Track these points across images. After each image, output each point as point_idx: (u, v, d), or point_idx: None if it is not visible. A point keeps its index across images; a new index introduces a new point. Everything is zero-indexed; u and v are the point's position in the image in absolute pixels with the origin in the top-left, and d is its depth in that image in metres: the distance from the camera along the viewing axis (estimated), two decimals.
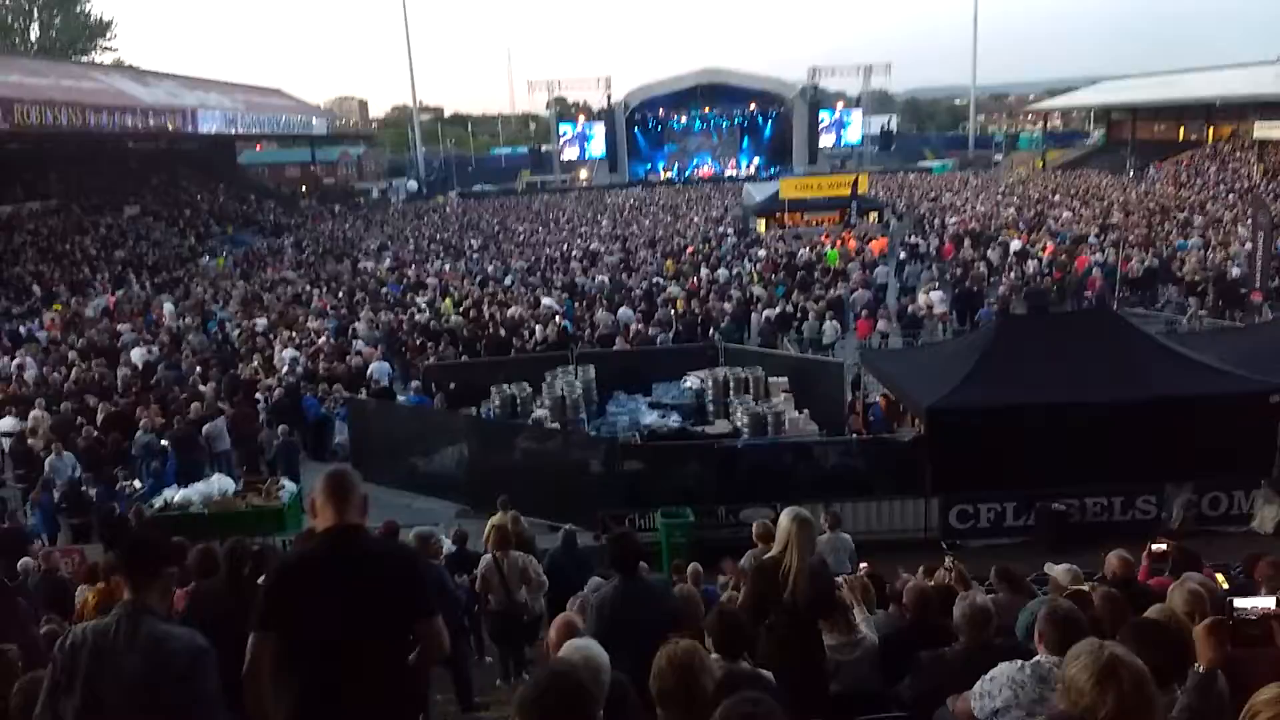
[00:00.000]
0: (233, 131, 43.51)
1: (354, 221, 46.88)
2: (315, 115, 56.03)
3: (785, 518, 3.83)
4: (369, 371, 15.78)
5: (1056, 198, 37.95)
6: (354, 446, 13.34)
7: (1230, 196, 34.47)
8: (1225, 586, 4.14)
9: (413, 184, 64.28)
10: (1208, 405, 9.95)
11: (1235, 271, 20.26)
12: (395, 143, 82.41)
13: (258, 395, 14.81)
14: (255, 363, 16.89)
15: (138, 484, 11.82)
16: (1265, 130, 40.89)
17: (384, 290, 24.94)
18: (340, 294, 24.60)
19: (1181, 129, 51.33)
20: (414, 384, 14.68)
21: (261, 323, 20.59)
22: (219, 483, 11.20)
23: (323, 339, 18.45)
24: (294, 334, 19.00)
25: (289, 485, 11.39)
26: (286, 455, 12.50)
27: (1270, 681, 1.84)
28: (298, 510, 11.05)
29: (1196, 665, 2.53)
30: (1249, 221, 22.68)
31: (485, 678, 7.29)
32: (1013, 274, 21.70)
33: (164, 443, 12.48)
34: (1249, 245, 20.76)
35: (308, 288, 26.02)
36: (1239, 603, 2.60)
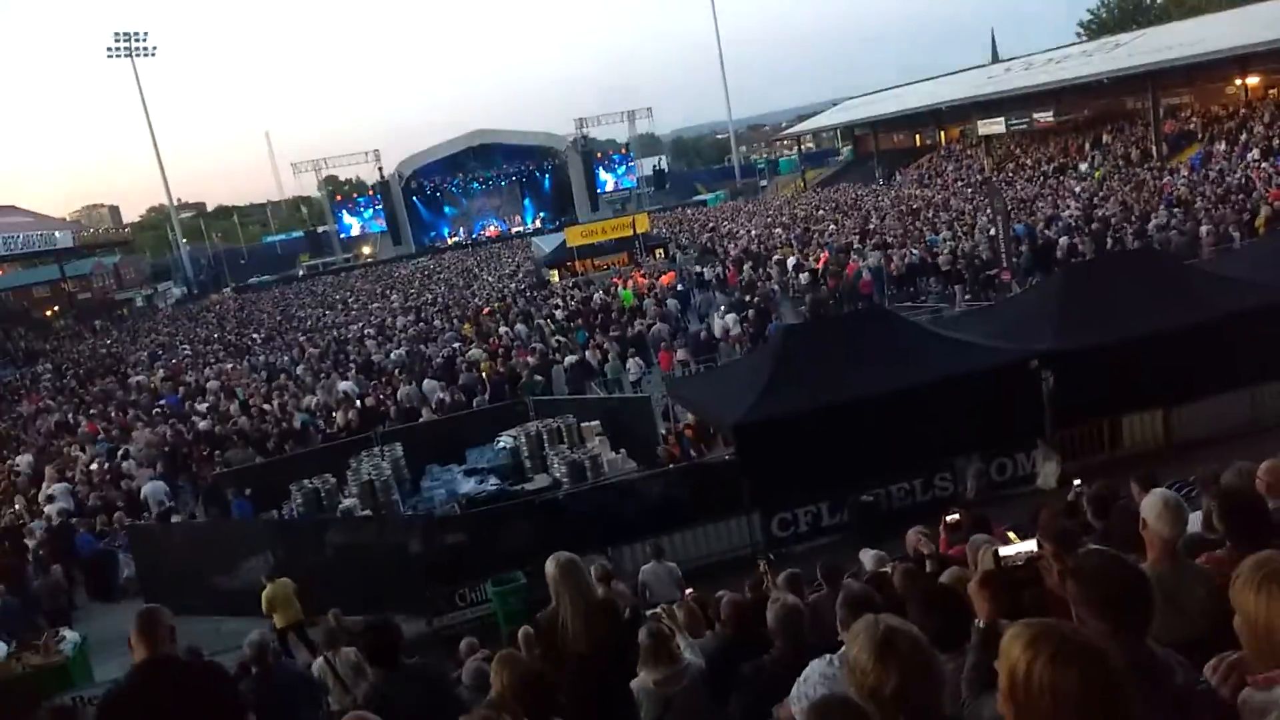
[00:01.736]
0: None
1: (119, 334, 43.30)
2: (58, 229, 51.64)
3: (549, 565, 3.69)
4: (142, 494, 14.43)
5: (821, 213, 40.56)
6: (143, 576, 12.10)
7: (968, 190, 38.12)
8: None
9: (180, 287, 60.31)
10: (979, 379, 10.77)
11: (984, 255, 22.28)
12: (155, 245, 77.20)
13: (25, 541, 13.22)
14: (17, 506, 15.12)
15: None
16: (987, 127, 45.67)
17: (161, 403, 23.03)
18: (112, 414, 22.50)
19: (918, 136, 56.53)
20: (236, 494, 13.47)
21: (23, 460, 18.49)
22: None
23: (94, 465, 16.77)
24: (60, 468, 17.15)
25: (69, 635, 10.14)
26: (53, 600, 11.18)
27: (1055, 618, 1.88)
28: (84, 661, 9.87)
29: (977, 620, 2.60)
30: (987, 209, 25.06)
31: None
32: (791, 288, 22.92)
33: None
34: (991, 230, 22.92)
35: (72, 415, 23.66)
36: (1004, 551, 2.72)
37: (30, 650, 10.09)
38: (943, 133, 53.78)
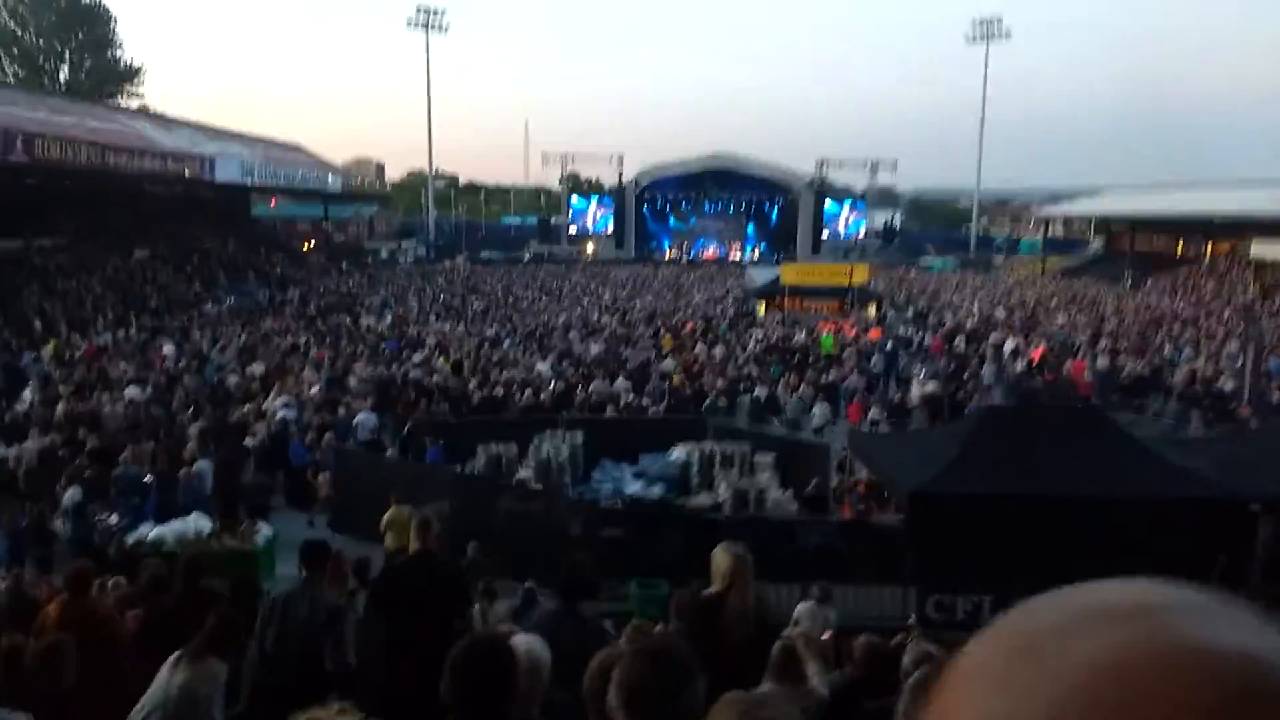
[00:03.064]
0: (248, 182, 44.24)
1: (360, 279, 47.40)
2: (331, 173, 57.12)
3: (722, 552, 3.81)
4: (355, 421, 15.80)
5: (1054, 303, 38.43)
6: (337, 495, 13.29)
7: (1225, 312, 34.95)
8: None
9: (421, 248, 65.17)
10: (1187, 510, 9.96)
11: (1229, 385, 20.42)
12: (408, 205, 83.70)
13: (246, 440, 14.83)
14: (246, 408, 16.95)
15: (114, 519, 11.74)
16: (1261, 249, 41.68)
17: (382, 346, 25.11)
18: (341, 346, 24.76)
19: (1180, 243, 52.31)
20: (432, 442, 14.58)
21: (258, 369, 20.69)
22: (195, 522, 11.13)
23: (315, 389, 18.52)
24: (288, 383, 19.08)
25: (264, 529, 11.32)
26: (258, 496, 12.49)
27: None
28: (271, 556, 10.97)
29: None
30: (1240, 336, 22.95)
31: None
32: (1005, 374, 21.87)
33: (147, 479, 12.46)
34: (1240, 361, 20.99)
35: (306, 340, 26.21)
36: None
37: (230, 534, 11.37)
38: (1210, 245, 49.51)
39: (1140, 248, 54.71)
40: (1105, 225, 61.94)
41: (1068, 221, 71.51)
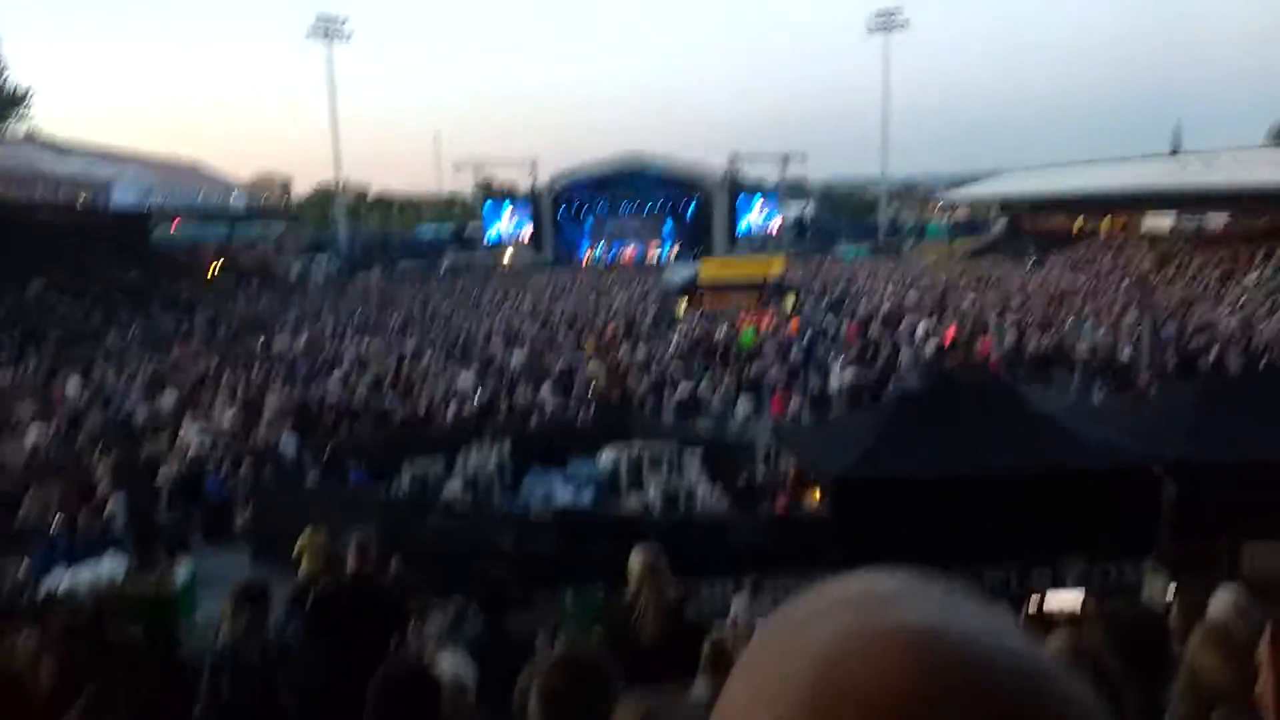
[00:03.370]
0: (147, 206, 42.70)
1: (270, 299, 46.16)
2: (235, 192, 55.52)
3: (634, 555, 3.83)
4: (277, 445, 15.40)
5: (963, 284, 39.63)
6: (256, 526, 12.93)
7: (1123, 284, 36.52)
8: None
9: (333, 263, 63.79)
10: (1097, 478, 10.38)
11: (1126, 353, 21.36)
12: (318, 220, 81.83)
13: (158, 475, 14.32)
14: (160, 442, 16.37)
15: (21, 568, 11.19)
16: (1154, 221, 43.67)
17: (298, 367, 24.50)
18: (253, 371, 24.07)
19: (1078, 220, 54.50)
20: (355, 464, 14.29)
21: (168, 401, 19.98)
22: (109, 565, 10.70)
23: (228, 417, 17.98)
24: (199, 413, 18.48)
25: (182, 568, 10.95)
26: (175, 534, 12.08)
27: None
28: (191, 595, 10.62)
29: None
30: (1137, 307, 24.02)
31: None
32: (918, 355, 22.48)
33: (54, 522, 11.91)
34: (1137, 331, 21.96)
35: (217, 366, 25.41)
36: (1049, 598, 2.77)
37: (146, 576, 10.95)
38: (1105, 220, 51.71)
39: (1041, 226, 56.85)
40: (1008, 206, 64.13)
41: (972, 205, 73.89)
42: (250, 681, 5.08)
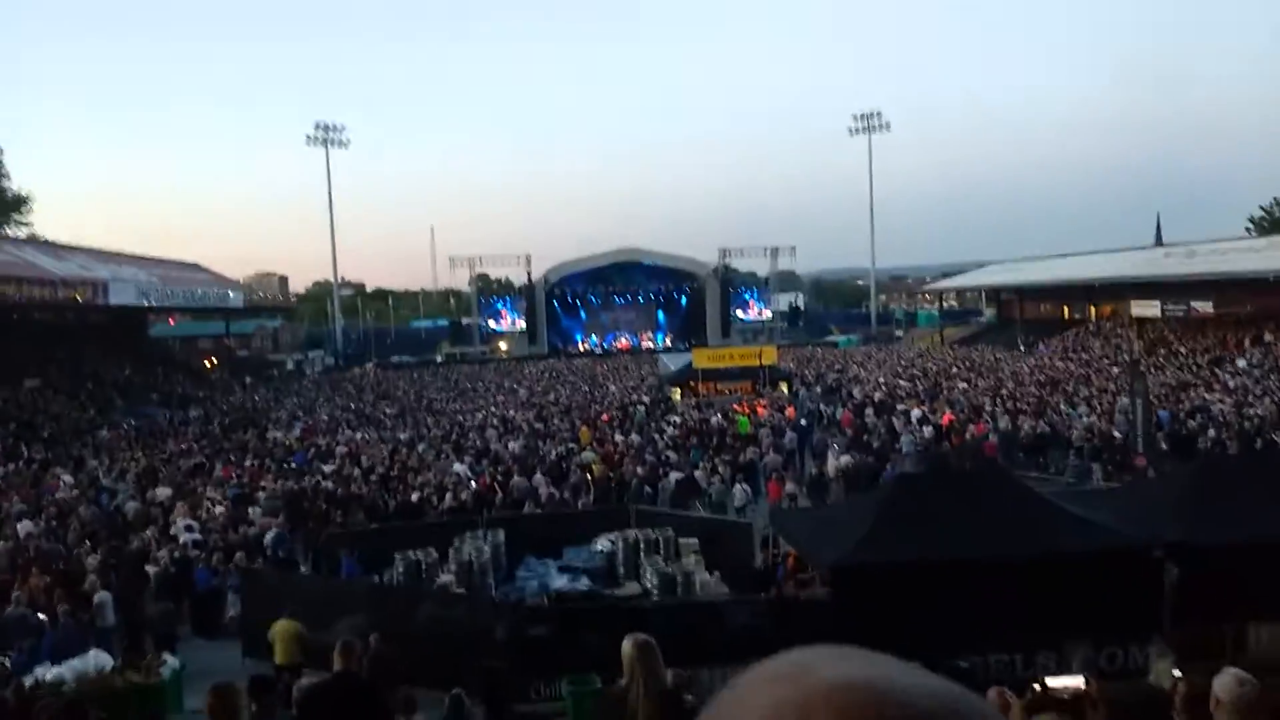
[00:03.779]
0: (145, 304, 43.08)
1: (266, 392, 46.18)
2: (232, 289, 56.11)
3: (626, 644, 3.80)
4: (265, 540, 15.21)
5: (954, 370, 39.88)
6: (246, 618, 12.67)
7: (1114, 370, 36.80)
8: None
9: (329, 357, 64.10)
10: (1098, 561, 10.30)
11: (1118, 435, 21.39)
12: (314, 316, 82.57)
13: (147, 568, 14.10)
14: (149, 533, 16.16)
15: (7, 661, 10.94)
16: (1141, 309, 44.32)
17: (291, 459, 24.37)
18: (246, 463, 23.93)
19: (1066, 308, 55.31)
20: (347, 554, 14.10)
21: (161, 493, 19.82)
22: (95, 659, 10.45)
23: (221, 508, 17.82)
24: (192, 505, 18.30)
25: (171, 661, 10.70)
26: (164, 627, 11.85)
27: None
28: (178, 689, 10.36)
29: None
30: (1129, 391, 24.15)
31: None
32: (914, 440, 22.47)
33: (41, 617, 11.69)
34: (1131, 414, 22.04)
35: (210, 459, 25.27)
36: (1051, 681, 2.75)
37: (134, 669, 10.70)
38: (1093, 309, 52.46)
39: (1029, 314, 57.63)
40: (995, 295, 65.08)
41: (960, 293, 74.99)
42: None
